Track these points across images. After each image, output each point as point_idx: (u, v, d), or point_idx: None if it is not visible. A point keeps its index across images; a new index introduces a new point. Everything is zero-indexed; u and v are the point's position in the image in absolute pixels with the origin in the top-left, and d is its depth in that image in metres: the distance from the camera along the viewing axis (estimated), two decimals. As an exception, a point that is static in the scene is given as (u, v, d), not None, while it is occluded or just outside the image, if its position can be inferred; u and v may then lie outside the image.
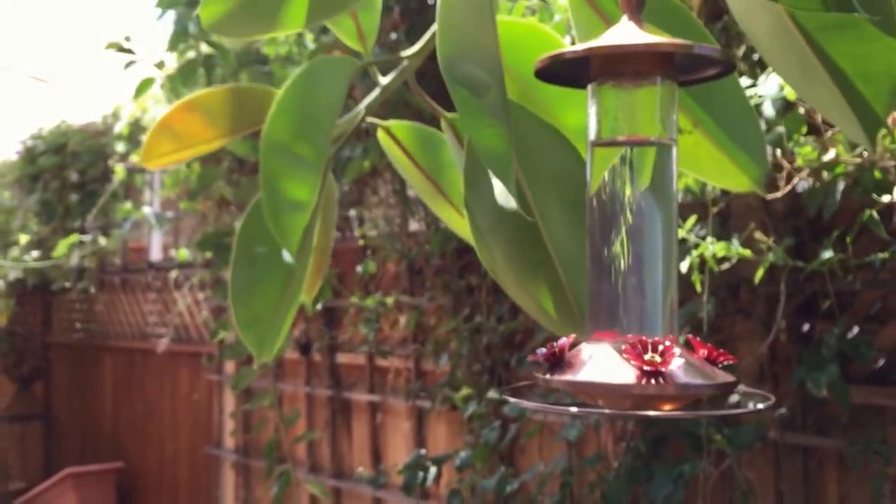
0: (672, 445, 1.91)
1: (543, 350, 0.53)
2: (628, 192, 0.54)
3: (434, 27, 0.68)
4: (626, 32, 0.53)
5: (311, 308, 2.51)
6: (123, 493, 4.61)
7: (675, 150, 0.55)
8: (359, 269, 2.81)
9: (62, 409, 5.45)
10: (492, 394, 2.29)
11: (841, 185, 1.51)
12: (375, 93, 0.72)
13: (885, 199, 1.48)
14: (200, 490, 4.13)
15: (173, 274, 3.84)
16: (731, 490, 1.92)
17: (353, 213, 2.93)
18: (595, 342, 0.53)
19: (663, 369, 0.49)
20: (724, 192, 1.80)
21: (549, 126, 0.66)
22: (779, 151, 1.51)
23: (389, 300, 2.68)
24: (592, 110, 0.55)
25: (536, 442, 2.45)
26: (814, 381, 1.71)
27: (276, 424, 3.05)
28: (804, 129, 1.58)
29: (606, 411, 0.52)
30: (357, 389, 3.22)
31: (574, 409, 0.53)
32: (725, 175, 0.66)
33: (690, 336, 0.54)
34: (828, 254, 1.60)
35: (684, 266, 1.54)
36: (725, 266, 1.59)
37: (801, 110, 1.49)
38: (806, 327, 1.87)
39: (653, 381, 0.49)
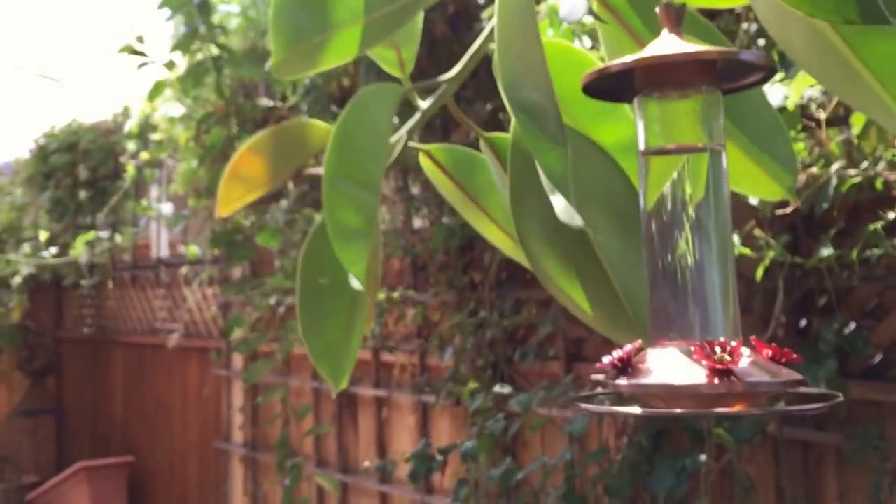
0: (674, 440, 1.93)
1: (610, 357, 0.55)
2: (688, 200, 0.55)
3: (470, 52, 0.72)
4: (668, 44, 0.55)
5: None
6: (135, 487, 4.65)
7: (724, 156, 0.56)
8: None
9: (74, 403, 5.50)
10: (497, 388, 2.32)
11: (833, 183, 1.53)
12: (416, 117, 0.75)
13: (891, 215, 1.50)
14: (210, 483, 4.17)
15: (183, 270, 3.87)
16: (732, 484, 1.94)
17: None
18: (660, 347, 0.55)
19: (733, 368, 0.50)
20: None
21: (591, 142, 0.68)
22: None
23: (395, 295, 2.71)
24: (640, 122, 0.57)
25: (539, 436, 2.48)
26: (811, 375, 1.73)
27: (287, 419, 3.08)
28: (799, 127, 1.60)
29: (678, 411, 0.53)
30: (363, 384, 3.25)
31: (660, 410, 0.55)
32: (758, 185, 0.67)
33: (753, 338, 0.55)
34: (826, 251, 1.62)
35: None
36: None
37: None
38: (804, 323, 1.88)
39: (723, 380, 0.50)
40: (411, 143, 0.76)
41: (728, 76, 0.57)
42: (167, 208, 3.44)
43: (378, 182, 0.65)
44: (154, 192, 4.53)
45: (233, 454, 3.98)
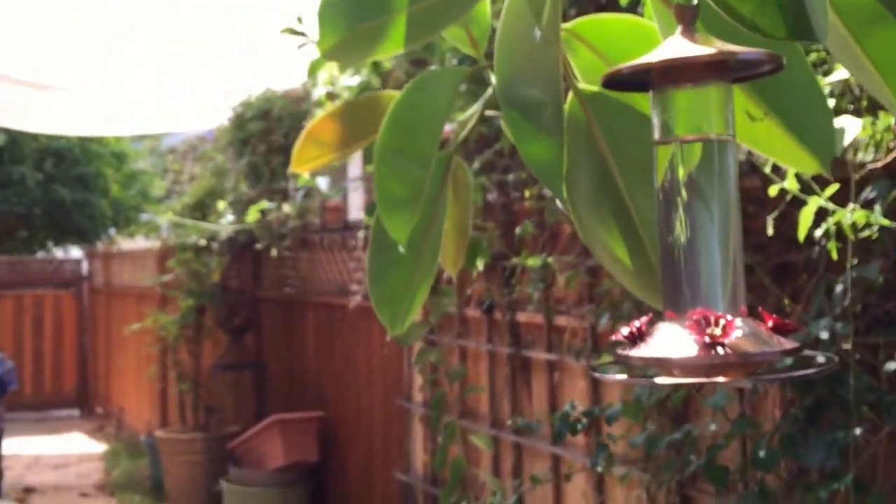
0: (831, 413, 1.86)
1: (626, 330, 0.60)
2: (688, 186, 0.60)
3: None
4: (679, 45, 0.59)
5: (474, 268, 2.58)
6: (325, 439, 4.88)
7: (732, 145, 0.60)
8: (517, 231, 2.87)
9: (271, 359, 5.81)
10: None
11: None
12: (490, 91, 0.80)
13: None
14: (393, 439, 4.32)
15: (361, 234, 4.01)
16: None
17: (511, 176, 2.98)
18: (668, 320, 0.60)
19: (724, 341, 0.55)
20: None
21: (637, 112, 0.72)
22: None
23: (551, 260, 2.72)
24: (655, 113, 0.61)
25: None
26: None
27: (450, 379, 3.16)
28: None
29: (665, 381, 0.59)
30: (535, 348, 3.28)
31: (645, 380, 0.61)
32: (796, 158, 0.70)
33: (761, 309, 0.59)
34: None
35: (819, 232, 1.50)
36: (866, 234, 1.54)
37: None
38: None
39: (715, 351, 0.55)
40: (489, 112, 0.80)
41: (743, 67, 0.60)
42: (323, 180, 3.57)
43: (430, 157, 0.69)
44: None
45: (413, 413, 4.11)
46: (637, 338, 0.59)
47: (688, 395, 2.33)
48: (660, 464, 2.36)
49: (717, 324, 0.56)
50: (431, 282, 0.81)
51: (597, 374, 0.64)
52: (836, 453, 1.68)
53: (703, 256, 0.60)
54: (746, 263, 2.09)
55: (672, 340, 0.57)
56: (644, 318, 0.60)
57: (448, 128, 0.82)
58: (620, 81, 0.62)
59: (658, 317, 0.61)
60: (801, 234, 1.51)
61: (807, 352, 0.61)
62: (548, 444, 3.15)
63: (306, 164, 0.85)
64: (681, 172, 0.60)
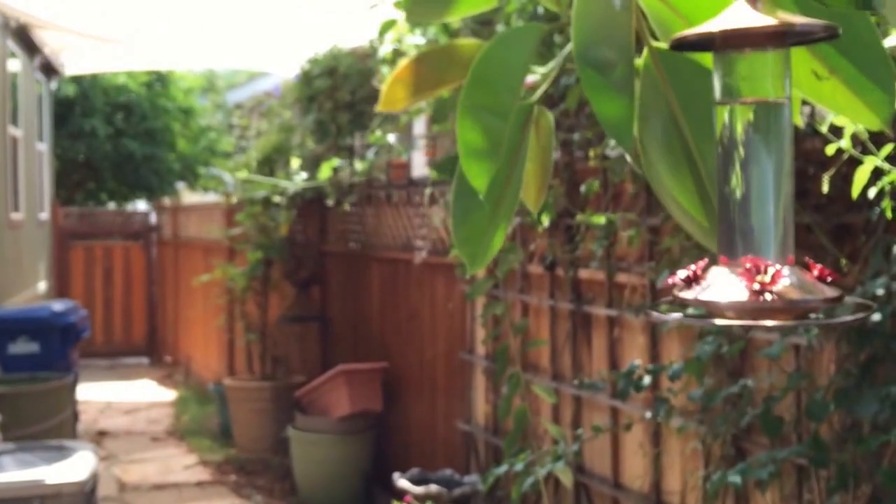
0: (884, 368, 1.91)
1: (683, 273, 0.65)
2: (741, 141, 0.66)
3: None
4: (742, 13, 0.64)
5: (539, 224, 2.66)
6: (388, 389, 5.00)
7: (788, 107, 0.66)
8: (582, 189, 2.92)
9: (336, 312, 5.94)
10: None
11: None
12: (568, 47, 0.84)
13: None
14: (455, 391, 4.43)
15: (427, 191, 4.10)
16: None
17: (576, 136, 3.03)
18: (721, 266, 0.65)
19: (772, 288, 0.60)
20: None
21: (705, 70, 0.76)
22: None
23: (614, 217, 2.78)
24: (717, 75, 0.67)
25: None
26: None
27: (515, 332, 3.24)
28: None
29: (716, 322, 0.65)
30: (596, 304, 3.35)
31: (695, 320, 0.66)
32: (859, 115, 0.75)
33: (808, 259, 0.65)
34: None
35: (872, 192, 1.55)
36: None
37: None
38: None
39: (763, 297, 0.61)
40: (570, 65, 0.87)
41: (800, 35, 0.65)
42: (393, 138, 3.64)
43: (509, 111, 0.76)
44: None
45: (476, 365, 4.21)
46: (693, 280, 0.65)
47: (744, 350, 2.40)
48: (716, 416, 2.44)
49: (766, 272, 0.61)
50: (510, 225, 0.88)
51: (654, 315, 0.70)
52: (889, 406, 1.74)
53: (756, 209, 0.65)
54: (805, 223, 2.14)
55: (724, 285, 0.63)
56: (701, 263, 0.65)
57: (529, 79, 0.88)
58: (687, 44, 0.68)
59: (713, 261, 0.66)
60: (855, 192, 1.56)
61: (849, 299, 0.65)
62: (607, 396, 3.23)
63: (394, 105, 0.92)
64: (739, 131, 0.65)
